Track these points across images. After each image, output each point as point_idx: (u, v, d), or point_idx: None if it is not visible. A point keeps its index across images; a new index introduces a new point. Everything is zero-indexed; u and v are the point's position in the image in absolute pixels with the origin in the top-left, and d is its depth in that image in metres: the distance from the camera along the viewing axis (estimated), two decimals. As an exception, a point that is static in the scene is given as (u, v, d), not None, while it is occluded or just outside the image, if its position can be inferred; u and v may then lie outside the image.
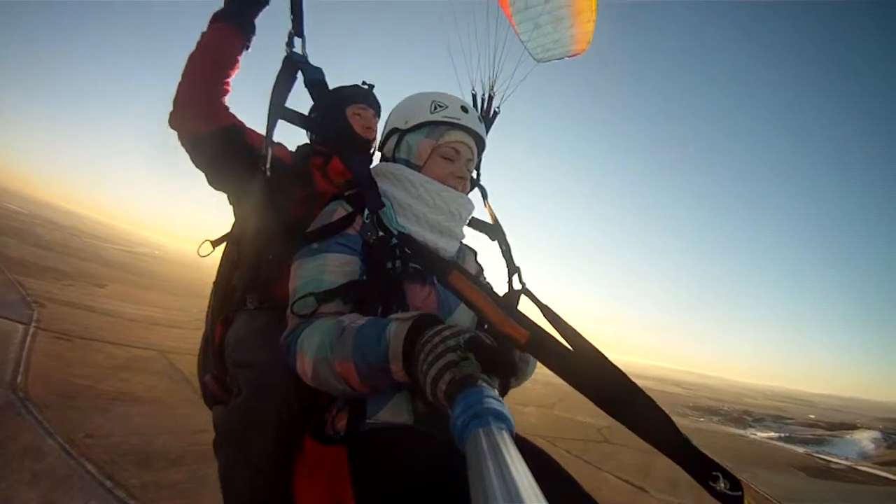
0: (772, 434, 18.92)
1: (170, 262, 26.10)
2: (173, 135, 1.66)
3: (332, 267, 1.30)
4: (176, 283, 15.07)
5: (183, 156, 1.69)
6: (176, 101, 1.62)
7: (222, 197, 1.83)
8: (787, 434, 20.41)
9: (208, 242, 1.80)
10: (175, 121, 1.63)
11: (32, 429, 2.89)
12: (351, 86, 2.12)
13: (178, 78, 1.64)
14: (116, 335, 5.82)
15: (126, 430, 3.22)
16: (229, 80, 1.68)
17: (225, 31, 1.65)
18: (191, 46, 1.64)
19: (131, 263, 17.62)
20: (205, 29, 1.66)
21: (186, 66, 1.63)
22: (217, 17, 1.66)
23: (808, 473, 9.03)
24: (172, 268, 22.09)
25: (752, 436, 16.11)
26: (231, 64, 1.68)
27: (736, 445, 11.03)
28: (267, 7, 1.72)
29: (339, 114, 1.84)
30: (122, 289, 10.08)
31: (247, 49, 1.71)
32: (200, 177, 1.73)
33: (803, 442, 17.99)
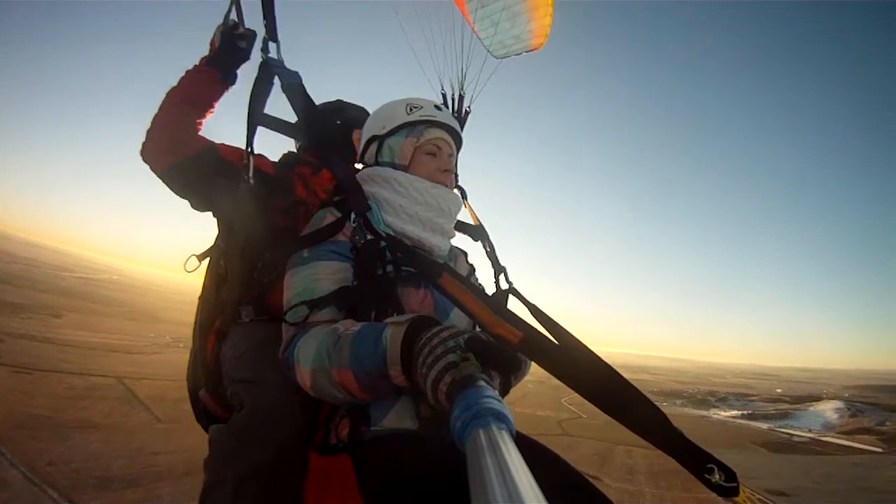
0: (735, 412, 19.47)
1: (127, 287, 25.42)
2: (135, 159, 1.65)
3: (325, 275, 1.27)
4: (132, 309, 14.76)
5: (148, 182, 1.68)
6: (149, 134, 1.62)
7: (188, 218, 1.83)
8: (750, 411, 21.01)
9: (194, 257, 1.77)
10: (147, 152, 1.63)
11: (-4, 461, 2.96)
12: (359, 107, 2.10)
13: (154, 110, 1.65)
14: (75, 365, 5.79)
15: (85, 457, 3.28)
16: (203, 120, 1.70)
17: (208, 75, 1.70)
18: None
19: (89, 291, 17.15)
20: (190, 67, 1.71)
21: (164, 101, 1.65)
22: (204, 61, 1.71)
23: (770, 449, 9.19)
24: (129, 293, 21.56)
25: (715, 416, 16.50)
26: (207, 107, 1.71)
27: (697, 427, 11.25)
28: (247, 61, 1.75)
29: (324, 117, 1.80)
30: (80, 318, 9.89)
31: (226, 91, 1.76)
32: (164, 202, 1.74)
33: (766, 417, 18.57)
